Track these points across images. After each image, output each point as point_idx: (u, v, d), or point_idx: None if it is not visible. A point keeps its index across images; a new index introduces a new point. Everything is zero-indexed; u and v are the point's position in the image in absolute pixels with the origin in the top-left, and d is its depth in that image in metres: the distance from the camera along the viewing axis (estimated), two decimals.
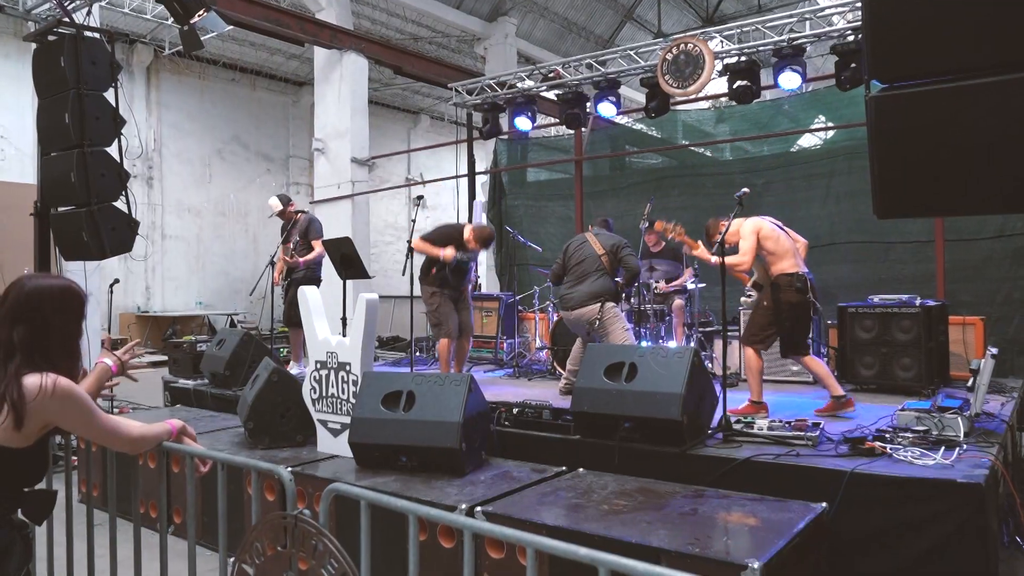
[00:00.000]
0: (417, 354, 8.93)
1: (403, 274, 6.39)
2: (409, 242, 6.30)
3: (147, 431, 2.30)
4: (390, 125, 18.45)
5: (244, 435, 4.77)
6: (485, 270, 12.10)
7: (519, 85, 9.20)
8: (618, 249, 5.76)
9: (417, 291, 6.44)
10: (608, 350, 4.42)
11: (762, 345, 4.90)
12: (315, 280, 7.07)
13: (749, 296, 6.39)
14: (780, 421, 4.10)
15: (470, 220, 10.41)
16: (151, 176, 14.51)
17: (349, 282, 6.14)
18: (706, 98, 10.11)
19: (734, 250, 4.82)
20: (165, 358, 8.74)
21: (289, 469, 2.30)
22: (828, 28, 7.02)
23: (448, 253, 6.13)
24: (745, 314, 6.57)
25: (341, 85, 12.01)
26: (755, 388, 4.89)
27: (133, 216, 5.83)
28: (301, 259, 7.00)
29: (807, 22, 7.09)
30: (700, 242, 4.99)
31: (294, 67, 16.24)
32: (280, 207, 7.26)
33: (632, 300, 7.04)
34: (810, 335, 5.17)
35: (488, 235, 6.38)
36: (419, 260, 6.41)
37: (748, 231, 4.84)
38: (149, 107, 14.48)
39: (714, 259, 4.65)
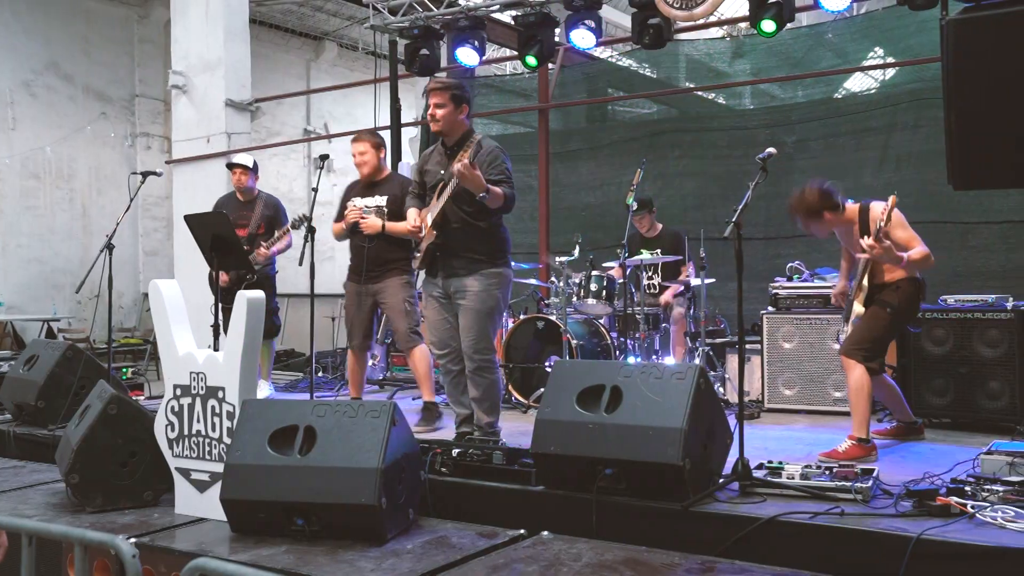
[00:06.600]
0: (320, 374, 8.84)
1: (300, 264, 6.31)
2: (309, 218, 6.22)
3: None
4: (282, 55, 18.21)
5: (66, 493, 4.68)
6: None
7: (462, 2, 9.17)
8: None
9: (322, 287, 6.37)
10: (582, 368, 4.43)
11: (876, 363, 5.02)
12: (270, 280, 7.34)
13: None
14: (818, 466, 4.16)
15: None
16: None
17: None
18: (719, 23, 10.24)
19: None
20: None
21: (132, 540, 2.26)
22: None
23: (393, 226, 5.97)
24: None
25: None
26: (862, 420, 4.90)
27: None
28: (273, 248, 7.19)
29: None
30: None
31: None
32: (252, 174, 7.51)
33: (617, 301, 7.07)
34: None
35: (380, 141, 6.44)
36: (323, 245, 6.35)
37: (902, 219, 5.15)
38: None
39: (907, 255, 4.88)
